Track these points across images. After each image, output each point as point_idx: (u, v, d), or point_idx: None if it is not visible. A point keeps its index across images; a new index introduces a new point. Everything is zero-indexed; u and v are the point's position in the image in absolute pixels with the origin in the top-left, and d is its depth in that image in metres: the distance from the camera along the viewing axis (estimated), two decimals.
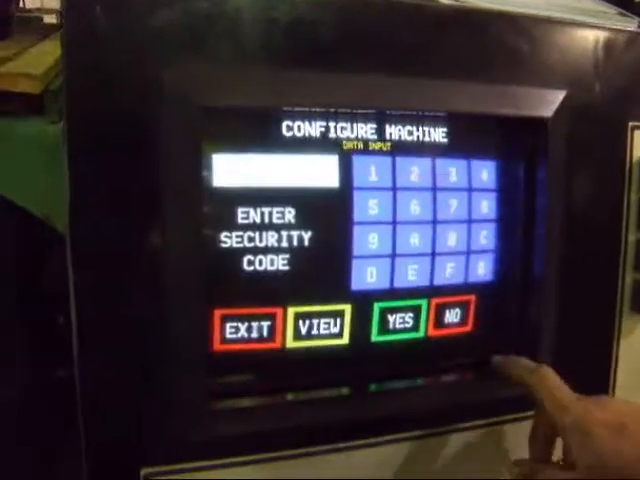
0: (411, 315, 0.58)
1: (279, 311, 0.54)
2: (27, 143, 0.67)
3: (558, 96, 0.57)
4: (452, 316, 0.60)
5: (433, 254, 0.57)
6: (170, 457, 0.49)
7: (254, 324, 0.53)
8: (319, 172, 0.53)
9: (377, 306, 0.57)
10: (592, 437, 0.47)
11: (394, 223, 0.55)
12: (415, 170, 0.56)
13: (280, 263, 0.53)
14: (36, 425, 0.72)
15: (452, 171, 0.57)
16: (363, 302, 0.56)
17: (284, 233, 0.53)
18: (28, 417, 0.74)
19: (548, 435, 0.53)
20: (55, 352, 0.68)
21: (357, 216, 0.54)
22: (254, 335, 0.53)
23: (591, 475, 0.47)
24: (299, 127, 0.53)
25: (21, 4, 1.27)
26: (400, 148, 0.56)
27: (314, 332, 0.55)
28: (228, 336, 0.52)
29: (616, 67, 0.60)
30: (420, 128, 0.56)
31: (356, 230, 0.54)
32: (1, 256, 0.78)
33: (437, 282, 0.58)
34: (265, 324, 0.53)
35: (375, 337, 0.57)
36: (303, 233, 0.53)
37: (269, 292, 0.53)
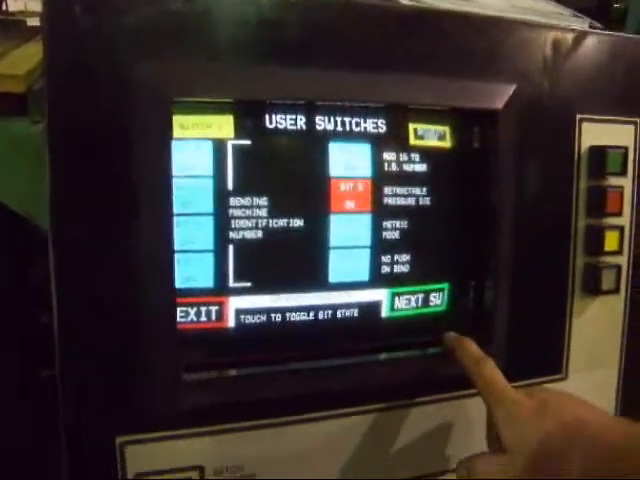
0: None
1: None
2: (10, 143, 0.69)
3: (508, 90, 0.60)
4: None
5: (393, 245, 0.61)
6: (144, 426, 0.52)
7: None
8: None
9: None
10: (517, 422, 0.51)
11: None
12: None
13: None
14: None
15: (403, 161, 0.61)
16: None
17: None
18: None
19: None
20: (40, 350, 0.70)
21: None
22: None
23: (520, 459, 0.50)
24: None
25: (4, 7, 1.29)
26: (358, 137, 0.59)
27: None
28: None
29: (565, 63, 0.64)
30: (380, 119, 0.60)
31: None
32: None
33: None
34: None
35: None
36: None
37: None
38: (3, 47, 0.88)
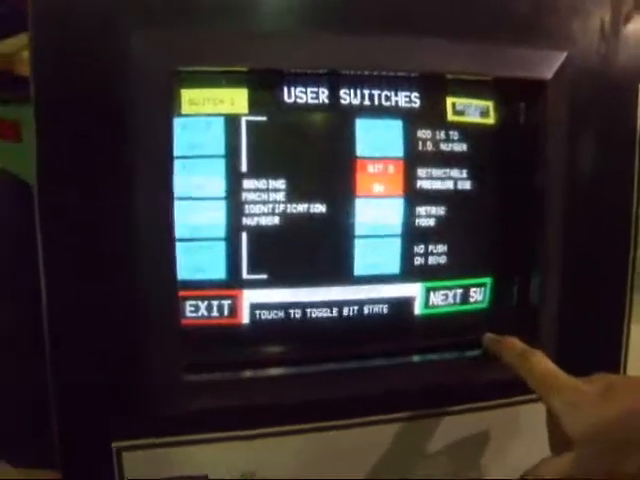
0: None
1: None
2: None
3: (558, 57, 0.55)
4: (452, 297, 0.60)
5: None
6: (143, 431, 0.50)
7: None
8: None
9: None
10: (580, 409, 0.47)
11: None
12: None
13: None
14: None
15: (440, 140, 0.56)
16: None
17: None
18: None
19: None
20: None
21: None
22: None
23: (587, 449, 0.46)
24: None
25: None
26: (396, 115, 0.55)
27: None
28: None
29: (624, 27, 0.58)
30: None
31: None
32: (8, 234, 0.79)
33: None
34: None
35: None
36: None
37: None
38: None
